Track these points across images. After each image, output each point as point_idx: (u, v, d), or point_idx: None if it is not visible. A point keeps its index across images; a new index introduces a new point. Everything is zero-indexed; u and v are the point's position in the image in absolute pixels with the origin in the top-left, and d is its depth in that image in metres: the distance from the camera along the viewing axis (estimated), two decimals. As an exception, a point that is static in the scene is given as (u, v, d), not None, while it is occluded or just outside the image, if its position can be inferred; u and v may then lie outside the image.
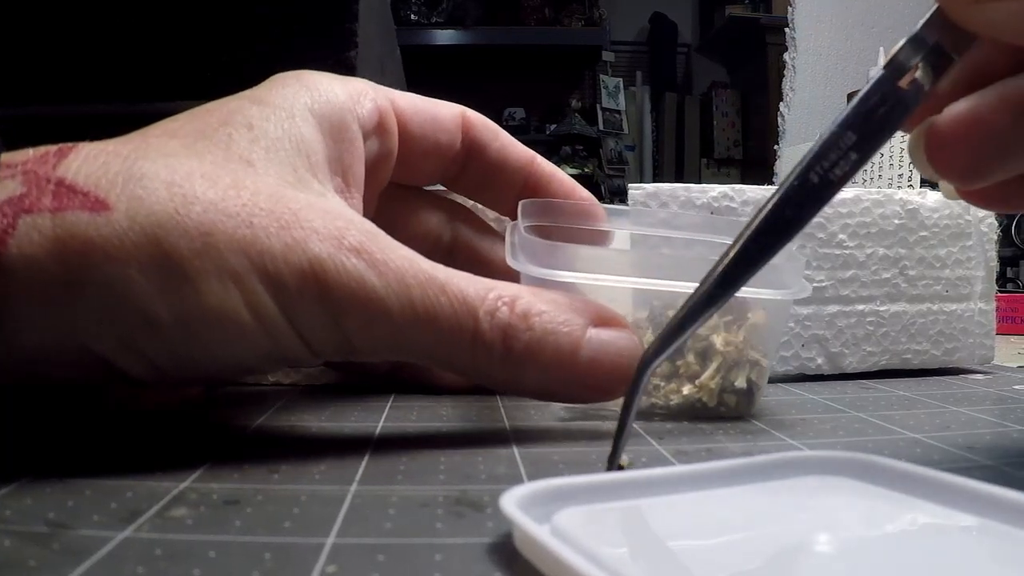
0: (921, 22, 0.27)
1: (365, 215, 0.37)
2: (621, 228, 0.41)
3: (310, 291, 0.28)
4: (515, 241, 0.34)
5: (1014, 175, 0.27)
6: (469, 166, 0.40)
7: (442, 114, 0.39)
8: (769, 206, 0.28)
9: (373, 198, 0.38)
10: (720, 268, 0.28)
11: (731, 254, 0.28)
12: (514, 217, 0.38)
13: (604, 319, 0.32)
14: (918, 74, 0.27)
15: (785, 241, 0.28)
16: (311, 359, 0.30)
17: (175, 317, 0.27)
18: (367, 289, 0.28)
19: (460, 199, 0.43)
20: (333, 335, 0.29)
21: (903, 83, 0.27)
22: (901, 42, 0.27)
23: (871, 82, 0.27)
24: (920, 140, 0.28)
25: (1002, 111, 0.26)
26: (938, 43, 0.27)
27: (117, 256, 0.26)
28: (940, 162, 0.27)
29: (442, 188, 0.43)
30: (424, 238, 0.42)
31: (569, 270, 0.34)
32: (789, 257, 0.35)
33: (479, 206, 0.44)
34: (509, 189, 0.41)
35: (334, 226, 0.29)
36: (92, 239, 0.26)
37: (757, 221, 0.28)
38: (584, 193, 0.42)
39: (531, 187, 0.41)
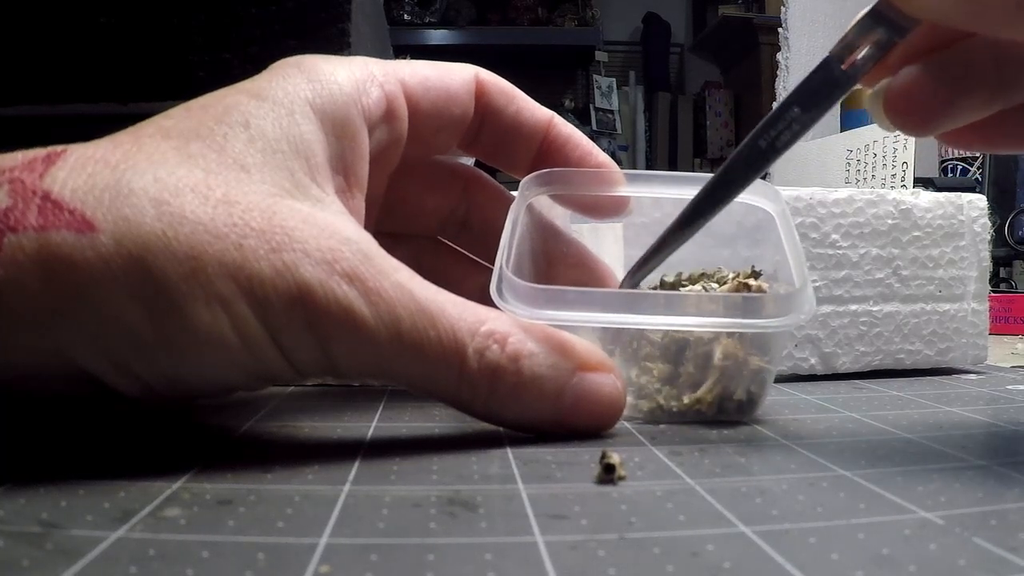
0: (866, 10, 0.31)
1: (374, 197, 0.37)
2: (639, 193, 0.41)
3: (298, 317, 0.28)
4: (500, 277, 0.34)
5: (963, 124, 0.31)
6: (483, 131, 0.39)
7: (454, 85, 0.37)
8: (724, 166, 0.34)
9: (384, 180, 0.38)
10: (679, 217, 0.35)
11: (689, 206, 0.35)
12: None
13: (592, 364, 0.32)
14: (860, 56, 0.31)
15: (733, 195, 0.34)
16: (296, 379, 0.30)
17: (162, 340, 0.27)
18: (356, 318, 0.28)
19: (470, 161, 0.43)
20: (319, 358, 0.29)
21: (845, 65, 0.31)
22: (849, 27, 0.31)
23: (817, 64, 0.32)
24: (879, 97, 0.32)
25: (940, 81, 0.30)
26: (882, 29, 0.31)
27: (103, 280, 0.26)
28: (895, 118, 0.31)
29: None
30: (438, 211, 0.42)
31: (551, 310, 0.33)
32: (802, 278, 0.35)
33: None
34: (524, 152, 0.40)
35: (327, 247, 0.28)
36: (77, 262, 0.26)
37: (713, 179, 0.34)
38: (602, 158, 0.40)
39: (547, 150, 0.40)
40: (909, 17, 0.29)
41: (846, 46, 0.31)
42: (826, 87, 0.32)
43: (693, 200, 0.35)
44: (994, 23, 0.27)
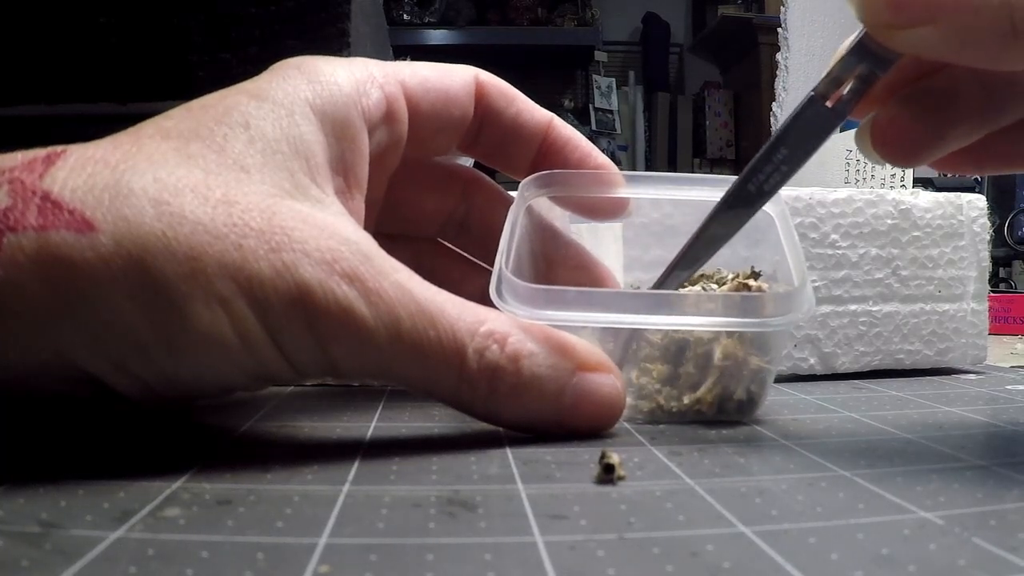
0: (848, 45, 0.30)
1: (374, 199, 0.37)
2: (639, 194, 0.41)
3: (298, 317, 0.28)
4: (500, 278, 0.34)
5: (951, 151, 0.31)
6: (483, 133, 0.39)
7: (454, 87, 0.37)
8: (712, 211, 0.34)
9: (383, 182, 0.37)
10: (672, 263, 0.35)
11: (680, 253, 0.35)
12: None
13: (591, 364, 0.32)
14: (845, 92, 0.31)
15: (722, 243, 0.34)
16: (296, 379, 0.30)
17: (162, 340, 0.27)
18: (356, 318, 0.28)
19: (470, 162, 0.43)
20: (319, 359, 0.29)
21: (831, 102, 0.31)
22: (831, 64, 0.31)
23: (802, 102, 0.32)
24: (866, 131, 0.32)
25: (926, 113, 0.30)
26: (865, 64, 0.30)
27: (103, 280, 0.26)
28: (883, 151, 0.31)
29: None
30: (437, 212, 0.42)
31: (551, 310, 0.33)
32: (801, 277, 0.35)
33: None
34: (524, 154, 0.40)
35: (327, 247, 0.28)
36: (77, 262, 0.26)
37: (702, 224, 0.34)
38: (601, 159, 0.40)
39: (546, 152, 0.40)
40: (892, 52, 0.29)
41: (831, 82, 0.31)
42: (812, 127, 0.32)
43: (684, 246, 0.35)
44: (977, 57, 0.27)
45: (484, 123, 0.39)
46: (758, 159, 0.32)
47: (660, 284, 0.36)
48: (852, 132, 0.33)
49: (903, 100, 0.31)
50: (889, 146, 0.31)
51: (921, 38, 0.27)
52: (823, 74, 0.31)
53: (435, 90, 0.37)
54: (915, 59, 0.30)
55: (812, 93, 0.31)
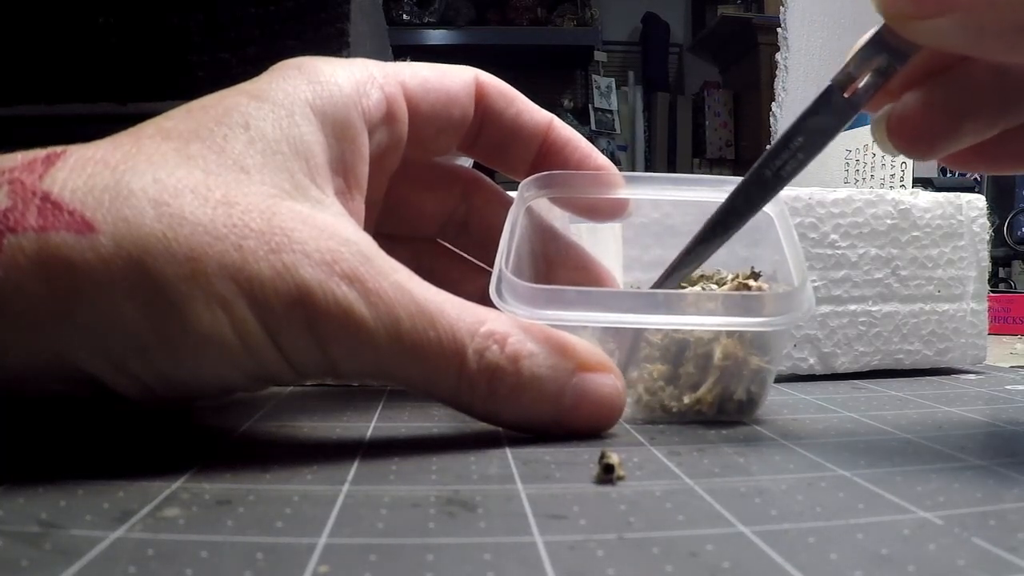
0: (867, 38, 0.31)
1: (374, 199, 0.37)
2: (638, 195, 0.41)
3: (298, 318, 0.28)
4: (500, 278, 0.34)
5: (966, 146, 0.32)
6: (483, 133, 0.39)
7: (454, 87, 0.37)
8: (729, 196, 0.34)
9: (383, 182, 0.37)
10: (686, 248, 0.35)
11: (695, 238, 0.35)
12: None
13: (592, 364, 0.32)
14: (862, 84, 0.31)
15: (738, 226, 0.35)
16: (295, 380, 0.30)
17: (162, 341, 0.27)
18: (356, 319, 0.28)
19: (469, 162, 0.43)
20: (319, 360, 0.29)
21: (848, 93, 0.32)
22: (850, 56, 0.31)
23: (820, 92, 0.32)
24: (882, 123, 0.32)
25: (942, 106, 0.31)
26: (883, 56, 0.31)
27: (103, 282, 0.26)
28: (899, 144, 0.32)
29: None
30: (437, 213, 0.42)
31: (551, 310, 0.33)
32: (801, 277, 0.35)
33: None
34: (524, 155, 0.40)
35: (327, 248, 0.28)
36: (77, 264, 0.26)
37: (719, 209, 0.34)
38: (601, 160, 0.40)
39: (546, 153, 0.40)
40: (910, 43, 0.30)
41: (848, 74, 0.31)
42: (829, 116, 0.32)
43: (699, 232, 0.35)
44: (995, 49, 0.27)
45: (484, 124, 0.39)
46: (775, 146, 0.33)
47: (673, 269, 0.36)
48: (852, 132, 0.33)
49: (920, 93, 0.31)
50: (905, 137, 0.31)
51: (938, 29, 0.27)
52: (842, 65, 0.32)
53: (435, 91, 0.37)
54: (933, 53, 0.30)
55: (831, 83, 0.32)
